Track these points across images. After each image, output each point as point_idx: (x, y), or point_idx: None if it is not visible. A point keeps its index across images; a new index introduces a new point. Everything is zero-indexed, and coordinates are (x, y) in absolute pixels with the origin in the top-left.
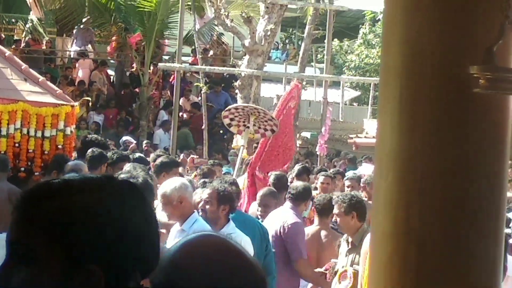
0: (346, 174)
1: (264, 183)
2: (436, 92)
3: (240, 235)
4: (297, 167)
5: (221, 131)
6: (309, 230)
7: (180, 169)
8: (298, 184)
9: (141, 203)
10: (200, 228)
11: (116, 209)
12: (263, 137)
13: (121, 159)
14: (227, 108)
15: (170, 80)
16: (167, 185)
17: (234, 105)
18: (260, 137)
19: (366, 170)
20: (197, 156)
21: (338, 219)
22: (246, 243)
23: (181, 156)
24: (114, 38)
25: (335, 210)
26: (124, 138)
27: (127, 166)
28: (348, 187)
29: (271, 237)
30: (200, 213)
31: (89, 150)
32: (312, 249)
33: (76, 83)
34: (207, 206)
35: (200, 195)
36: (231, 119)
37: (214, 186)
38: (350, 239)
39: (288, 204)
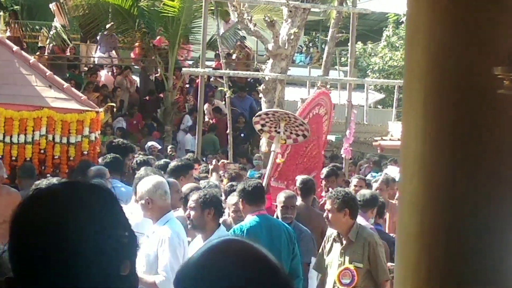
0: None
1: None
2: (460, 94)
3: None
4: (325, 169)
5: (242, 135)
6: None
7: (214, 175)
8: (365, 192)
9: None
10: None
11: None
12: (295, 142)
13: (143, 164)
14: (257, 114)
15: (195, 85)
16: (140, 184)
17: (265, 110)
18: (292, 142)
19: (391, 172)
20: (228, 161)
21: (329, 215)
22: None
23: (213, 162)
24: (137, 43)
25: (327, 206)
26: (150, 143)
27: (141, 170)
28: (376, 189)
29: None
30: (188, 222)
31: (107, 156)
32: None
33: (99, 89)
34: (192, 213)
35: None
36: (263, 125)
37: (197, 194)
38: (342, 236)
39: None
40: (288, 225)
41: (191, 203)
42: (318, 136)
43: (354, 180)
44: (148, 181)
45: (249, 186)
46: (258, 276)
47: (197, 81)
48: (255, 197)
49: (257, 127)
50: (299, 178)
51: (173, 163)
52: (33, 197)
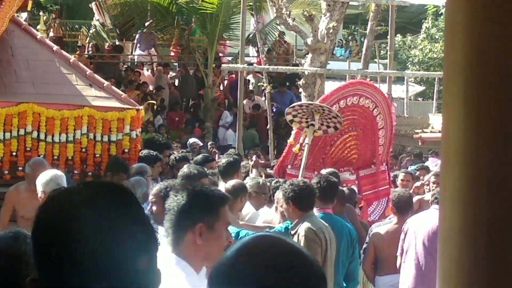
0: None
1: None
2: (502, 85)
3: None
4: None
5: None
6: (389, 228)
7: (254, 171)
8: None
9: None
10: None
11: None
12: (325, 134)
13: (181, 160)
14: (291, 105)
15: (229, 81)
16: (38, 179)
17: (299, 102)
18: (322, 133)
19: (433, 164)
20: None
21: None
22: None
23: (254, 157)
24: (174, 41)
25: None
26: (191, 140)
27: (184, 167)
28: (434, 183)
29: (425, 241)
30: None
31: (141, 152)
32: (394, 248)
33: (140, 87)
34: (154, 208)
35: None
36: (294, 116)
37: (157, 187)
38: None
39: (435, 206)
40: (351, 227)
41: (151, 197)
42: (363, 129)
43: (400, 175)
44: (45, 175)
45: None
46: (291, 271)
47: (229, 77)
48: (325, 193)
49: (289, 117)
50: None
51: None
52: (50, 197)
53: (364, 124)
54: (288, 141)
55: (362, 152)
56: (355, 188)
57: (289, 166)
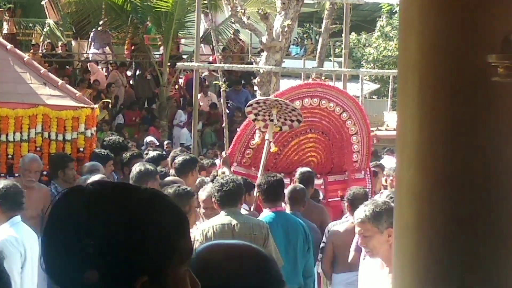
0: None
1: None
2: (455, 82)
3: None
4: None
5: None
6: (347, 226)
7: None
8: None
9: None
10: None
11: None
12: (291, 128)
13: (134, 158)
14: (248, 104)
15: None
16: None
17: (255, 99)
18: (288, 128)
19: (388, 163)
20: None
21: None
22: None
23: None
24: (128, 40)
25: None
26: (148, 138)
27: (136, 165)
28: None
29: None
30: None
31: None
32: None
33: (92, 85)
34: None
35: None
36: (256, 114)
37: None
38: None
39: None
40: (305, 224)
41: None
42: (326, 132)
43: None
44: None
45: (266, 182)
46: (252, 271)
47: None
48: (271, 193)
49: (251, 116)
50: (298, 170)
51: (180, 158)
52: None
53: (328, 128)
54: (254, 142)
55: (326, 156)
56: (320, 191)
57: (235, 164)
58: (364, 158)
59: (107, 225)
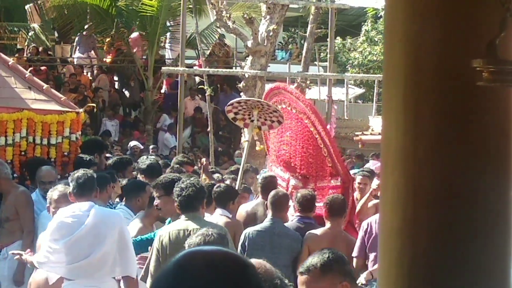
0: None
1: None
2: (440, 87)
3: None
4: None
5: (227, 134)
6: (323, 231)
7: (204, 175)
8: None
9: None
10: None
11: None
12: (271, 129)
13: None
14: (229, 103)
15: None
16: None
17: (237, 99)
18: (268, 128)
19: (373, 167)
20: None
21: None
22: None
23: (203, 160)
24: (106, 43)
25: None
26: (132, 143)
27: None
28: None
29: None
30: None
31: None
32: None
33: (78, 89)
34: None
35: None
36: (235, 113)
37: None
38: None
39: None
40: None
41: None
42: (291, 131)
43: (358, 178)
44: None
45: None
46: (229, 275)
47: (166, 81)
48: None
49: (230, 115)
50: (260, 176)
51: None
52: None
53: (292, 129)
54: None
55: (302, 158)
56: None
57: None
58: (335, 163)
59: None
